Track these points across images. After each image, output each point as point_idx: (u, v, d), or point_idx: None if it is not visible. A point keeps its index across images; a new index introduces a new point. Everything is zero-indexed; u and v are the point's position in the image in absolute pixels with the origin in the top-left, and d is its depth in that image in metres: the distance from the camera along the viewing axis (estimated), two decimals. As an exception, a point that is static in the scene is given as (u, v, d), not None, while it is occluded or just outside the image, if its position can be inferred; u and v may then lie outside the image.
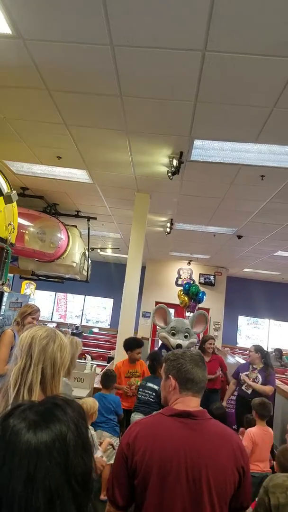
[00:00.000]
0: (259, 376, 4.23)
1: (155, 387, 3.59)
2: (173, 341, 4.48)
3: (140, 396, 3.70)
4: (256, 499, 1.54)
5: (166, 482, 1.27)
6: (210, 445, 1.32)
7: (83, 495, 0.69)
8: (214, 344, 4.98)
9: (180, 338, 4.51)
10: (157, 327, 4.80)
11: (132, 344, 4.19)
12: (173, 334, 4.53)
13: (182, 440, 1.32)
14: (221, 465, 1.28)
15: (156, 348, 8.55)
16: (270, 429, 3.23)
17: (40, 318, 3.22)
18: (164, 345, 4.63)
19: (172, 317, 4.79)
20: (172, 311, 9.84)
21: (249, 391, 4.09)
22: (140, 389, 3.76)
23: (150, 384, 3.66)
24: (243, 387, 4.17)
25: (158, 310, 4.72)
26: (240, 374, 4.32)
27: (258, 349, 4.41)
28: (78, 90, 2.94)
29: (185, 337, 4.56)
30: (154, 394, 3.57)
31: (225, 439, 1.35)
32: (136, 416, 3.58)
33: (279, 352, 9.02)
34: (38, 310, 2.90)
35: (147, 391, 3.66)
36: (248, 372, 4.28)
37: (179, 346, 4.44)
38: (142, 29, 2.20)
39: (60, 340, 1.40)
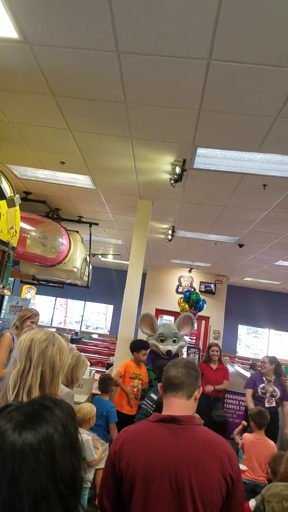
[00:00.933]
0: (277, 390, 4.21)
1: (155, 397, 3.57)
2: (163, 347, 4.47)
3: (142, 406, 3.68)
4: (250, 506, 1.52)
5: (150, 489, 1.26)
6: (195, 451, 1.29)
7: (71, 497, 0.68)
8: (218, 351, 4.94)
9: (169, 344, 4.50)
10: (145, 335, 4.78)
11: (138, 346, 4.23)
12: (162, 341, 4.52)
13: (166, 446, 1.30)
14: (206, 472, 1.26)
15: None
16: (269, 440, 3.19)
17: (39, 323, 3.21)
18: (153, 352, 4.61)
19: (158, 323, 4.80)
20: (171, 318, 9.86)
21: (273, 404, 4.07)
22: (145, 399, 3.74)
23: (152, 395, 3.64)
24: (266, 403, 4.10)
25: (144, 318, 4.73)
26: (258, 389, 4.25)
27: (272, 360, 4.38)
28: (83, 96, 2.97)
29: (174, 341, 4.55)
30: (154, 405, 3.54)
31: (211, 446, 1.32)
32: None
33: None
34: (37, 314, 2.89)
35: (148, 402, 3.64)
36: (264, 385, 4.25)
37: (169, 352, 4.43)
38: (148, 36, 2.23)
39: (59, 343, 1.39)
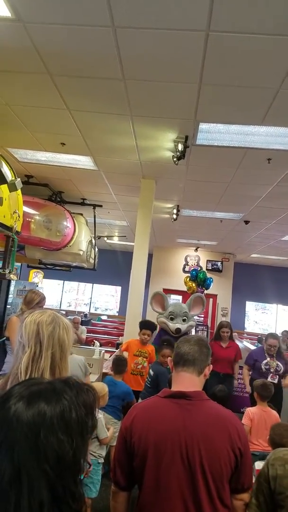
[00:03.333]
0: (280, 364, 4.26)
1: (151, 372, 3.64)
2: (172, 325, 4.52)
3: (146, 382, 3.76)
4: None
5: (162, 463, 1.30)
6: (204, 426, 1.33)
7: (58, 478, 0.67)
8: (228, 332, 4.96)
9: (179, 322, 4.55)
10: (156, 312, 4.84)
11: (141, 325, 4.32)
12: (172, 319, 4.57)
13: (176, 421, 1.34)
14: (215, 446, 1.30)
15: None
16: (272, 410, 3.27)
17: (50, 307, 3.25)
18: (163, 330, 4.68)
19: (170, 302, 4.84)
20: (179, 297, 9.92)
21: (276, 381, 4.13)
22: (147, 376, 3.82)
23: (150, 370, 3.71)
24: (269, 378, 4.15)
25: (155, 296, 4.78)
26: (261, 365, 4.30)
27: (279, 341, 4.43)
28: (81, 75, 2.90)
29: (183, 320, 4.60)
30: (150, 379, 3.62)
31: (220, 420, 1.35)
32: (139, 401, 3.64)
33: (286, 333, 9.04)
34: (44, 298, 2.92)
35: (148, 377, 3.72)
36: (267, 360, 4.30)
37: (178, 330, 4.48)
38: (143, 9, 2.15)
39: (63, 323, 1.41)
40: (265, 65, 2.52)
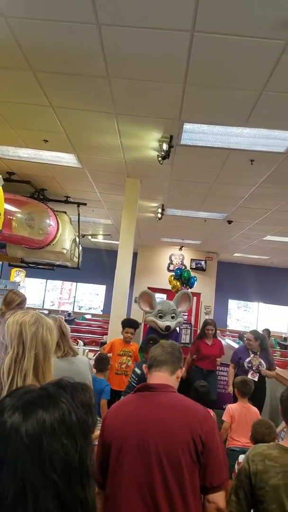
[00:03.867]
0: (263, 362, 4.32)
1: (138, 371, 3.64)
2: (162, 323, 4.53)
3: (129, 380, 3.75)
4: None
5: (120, 452, 1.34)
6: (161, 413, 1.37)
7: (67, 487, 0.64)
8: (213, 330, 5.04)
9: (168, 320, 4.57)
10: (144, 312, 4.84)
11: (124, 323, 4.31)
12: (161, 317, 4.58)
13: (135, 411, 1.40)
14: (171, 433, 1.31)
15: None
16: (252, 406, 3.34)
17: (32, 306, 3.19)
18: (152, 328, 4.69)
19: (157, 300, 4.85)
20: (164, 296, 9.95)
21: (256, 378, 4.17)
22: (131, 374, 3.81)
23: (136, 369, 3.71)
24: (249, 375, 4.21)
25: (143, 295, 4.79)
26: (244, 363, 4.36)
27: (257, 336, 4.48)
28: (64, 71, 2.86)
29: (172, 317, 4.63)
30: (136, 379, 3.62)
31: (180, 409, 1.38)
32: None
33: (267, 332, 9.20)
34: (25, 299, 2.86)
35: (133, 376, 3.72)
36: (250, 358, 4.35)
37: (168, 327, 4.51)
38: (128, 7, 2.13)
39: (47, 324, 1.40)
40: (249, 67, 2.55)
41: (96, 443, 3.09)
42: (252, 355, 4.36)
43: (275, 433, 2.51)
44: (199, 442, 1.30)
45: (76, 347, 4.54)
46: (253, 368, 4.29)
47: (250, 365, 4.33)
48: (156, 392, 1.43)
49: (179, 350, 1.62)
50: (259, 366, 4.30)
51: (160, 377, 1.51)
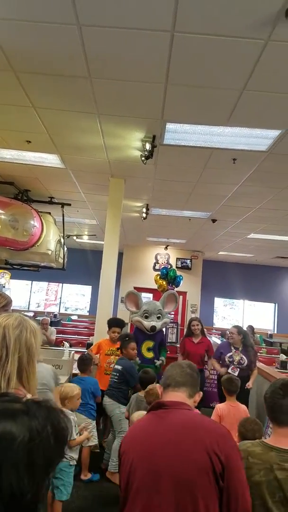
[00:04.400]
0: (244, 358, 4.38)
1: (119, 367, 3.65)
2: (147, 323, 4.55)
3: (110, 379, 3.76)
4: None
5: (134, 473, 1.25)
6: (174, 432, 1.26)
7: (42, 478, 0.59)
8: (198, 325, 5.06)
9: (154, 320, 4.59)
10: (130, 312, 4.85)
11: (110, 323, 4.31)
12: (146, 317, 4.60)
13: (147, 430, 1.32)
14: (184, 452, 1.20)
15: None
16: (240, 404, 3.36)
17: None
18: (138, 328, 4.70)
19: (143, 300, 4.87)
20: (150, 296, 9.98)
21: (236, 373, 4.23)
22: (112, 372, 3.82)
23: (116, 366, 3.72)
24: (230, 370, 4.27)
25: (129, 295, 4.80)
26: (225, 358, 4.41)
27: (240, 331, 4.54)
28: (46, 72, 2.85)
29: (158, 318, 4.65)
30: (117, 374, 3.63)
31: (192, 427, 1.27)
32: (104, 398, 3.64)
33: (251, 328, 9.34)
34: (11, 301, 2.83)
35: (113, 373, 3.73)
36: (231, 353, 4.41)
37: (153, 327, 4.53)
38: (108, 8, 2.14)
39: (31, 326, 1.39)
40: (229, 67, 2.58)
41: (88, 444, 3.07)
42: (234, 350, 4.41)
43: (262, 431, 2.54)
44: (216, 462, 1.16)
45: (62, 348, 4.54)
46: (234, 363, 4.35)
47: (231, 359, 4.39)
48: (170, 409, 1.32)
49: (197, 372, 1.52)
50: (241, 361, 4.36)
51: (176, 396, 1.39)
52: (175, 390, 1.41)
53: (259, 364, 5.40)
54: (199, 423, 1.28)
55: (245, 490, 1.21)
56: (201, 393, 1.48)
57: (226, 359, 4.40)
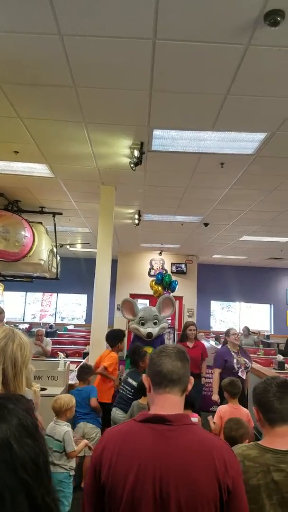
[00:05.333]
0: (246, 360, 4.37)
1: (134, 383, 3.61)
2: (143, 330, 4.53)
3: (120, 391, 3.71)
4: None
5: (131, 499, 1.09)
6: (184, 456, 1.12)
7: (36, 486, 0.69)
8: (195, 330, 5.04)
9: (150, 326, 4.57)
10: (127, 319, 4.83)
11: (116, 338, 4.27)
12: (143, 324, 4.58)
13: (150, 450, 1.13)
14: (195, 481, 1.09)
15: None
16: (242, 407, 3.35)
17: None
18: (137, 336, 4.68)
19: (140, 307, 4.85)
20: (146, 302, 9.95)
21: (244, 376, 4.20)
22: (122, 384, 3.77)
23: (129, 380, 3.67)
24: (240, 374, 4.23)
25: (125, 303, 4.79)
26: (234, 365, 4.35)
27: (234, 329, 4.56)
28: (30, 82, 2.85)
29: (155, 323, 4.63)
30: (132, 390, 3.58)
31: (204, 450, 1.14)
32: (116, 412, 3.60)
33: (247, 329, 9.35)
34: (2, 312, 2.82)
35: (126, 387, 3.68)
36: (236, 359, 4.38)
37: (149, 334, 4.50)
38: (89, 17, 2.15)
39: (19, 340, 1.38)
40: (212, 72, 2.60)
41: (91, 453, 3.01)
42: (235, 355, 4.40)
43: (246, 432, 2.50)
44: (225, 491, 1.10)
45: (57, 359, 4.49)
46: (242, 368, 4.33)
47: (238, 365, 4.36)
48: (174, 426, 1.16)
49: (187, 358, 1.34)
50: (246, 364, 4.35)
51: (171, 401, 1.23)
52: (167, 391, 1.24)
53: (256, 366, 5.40)
54: (209, 445, 1.16)
55: None
56: (193, 379, 1.35)
57: (235, 366, 4.33)
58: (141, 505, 1.08)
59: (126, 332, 10.55)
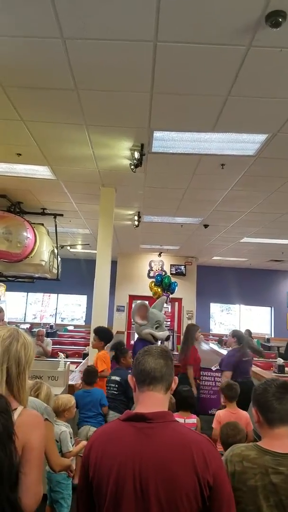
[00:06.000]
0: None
1: (117, 378, 3.61)
2: (162, 334, 4.38)
3: (107, 391, 3.71)
4: None
5: (113, 495, 1.14)
6: (162, 452, 1.15)
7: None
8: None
9: (163, 330, 4.48)
10: (136, 324, 4.63)
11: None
12: (157, 327, 4.43)
13: (131, 447, 1.17)
14: (174, 478, 1.12)
15: (132, 342, 8.59)
16: (241, 411, 3.30)
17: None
18: (141, 340, 4.51)
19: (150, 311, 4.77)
20: (146, 303, 9.95)
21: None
22: (107, 384, 3.77)
23: (113, 377, 3.67)
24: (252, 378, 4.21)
25: (141, 307, 4.46)
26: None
27: (235, 334, 4.55)
28: (33, 85, 2.89)
29: (166, 327, 4.61)
30: (116, 386, 3.59)
31: (183, 445, 1.17)
32: (110, 413, 3.60)
33: (248, 333, 9.34)
34: (1, 311, 2.83)
35: (111, 385, 3.68)
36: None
37: (168, 337, 4.44)
38: (91, 20, 2.18)
39: (23, 339, 1.40)
40: (213, 73, 2.63)
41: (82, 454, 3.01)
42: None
43: (243, 437, 2.49)
44: (205, 487, 1.12)
45: (57, 359, 4.51)
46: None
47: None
48: (154, 424, 1.20)
49: (171, 358, 1.37)
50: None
51: (154, 399, 1.27)
52: (150, 388, 1.28)
53: (256, 369, 5.41)
54: (188, 440, 1.20)
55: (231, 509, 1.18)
56: (177, 378, 1.38)
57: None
58: (123, 500, 1.12)
59: (125, 334, 10.53)
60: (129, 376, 1.38)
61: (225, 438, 2.41)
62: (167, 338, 4.47)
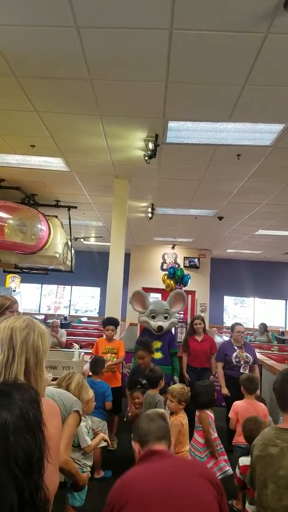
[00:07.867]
0: (249, 355, 4.34)
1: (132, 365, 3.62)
2: (154, 323, 4.51)
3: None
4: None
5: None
6: (182, 470, 1.32)
7: (25, 481, 0.70)
8: (201, 324, 5.01)
9: (160, 320, 4.54)
10: (137, 312, 4.81)
11: (103, 322, 4.40)
12: (153, 317, 4.55)
13: (163, 474, 1.30)
14: (197, 485, 1.27)
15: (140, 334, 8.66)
16: (258, 403, 3.32)
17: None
18: (146, 329, 4.66)
19: (150, 300, 4.83)
20: (158, 296, 9.97)
21: (247, 371, 4.18)
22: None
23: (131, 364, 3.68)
24: (242, 369, 4.20)
25: (135, 295, 4.72)
26: (232, 359, 4.35)
27: (242, 324, 4.53)
28: (47, 76, 2.87)
29: (165, 318, 4.59)
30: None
31: (190, 463, 1.42)
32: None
33: (264, 326, 9.23)
34: (15, 302, 2.85)
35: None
36: (236, 353, 4.35)
37: (160, 328, 4.49)
38: (105, 9, 2.15)
39: (39, 329, 1.40)
40: (229, 62, 2.57)
41: (100, 445, 3.00)
42: (237, 350, 4.36)
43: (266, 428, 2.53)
44: (219, 490, 1.29)
45: (72, 350, 4.56)
46: (242, 362, 4.30)
47: (238, 359, 4.32)
48: (164, 455, 1.38)
49: (166, 420, 1.59)
50: (247, 360, 4.31)
51: (159, 448, 1.44)
52: (155, 444, 1.43)
53: (270, 362, 5.36)
54: (191, 461, 1.48)
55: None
56: (173, 441, 1.56)
57: (233, 360, 4.32)
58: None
59: (138, 326, 10.57)
60: (137, 446, 1.51)
61: (249, 434, 2.46)
62: (159, 329, 4.47)
